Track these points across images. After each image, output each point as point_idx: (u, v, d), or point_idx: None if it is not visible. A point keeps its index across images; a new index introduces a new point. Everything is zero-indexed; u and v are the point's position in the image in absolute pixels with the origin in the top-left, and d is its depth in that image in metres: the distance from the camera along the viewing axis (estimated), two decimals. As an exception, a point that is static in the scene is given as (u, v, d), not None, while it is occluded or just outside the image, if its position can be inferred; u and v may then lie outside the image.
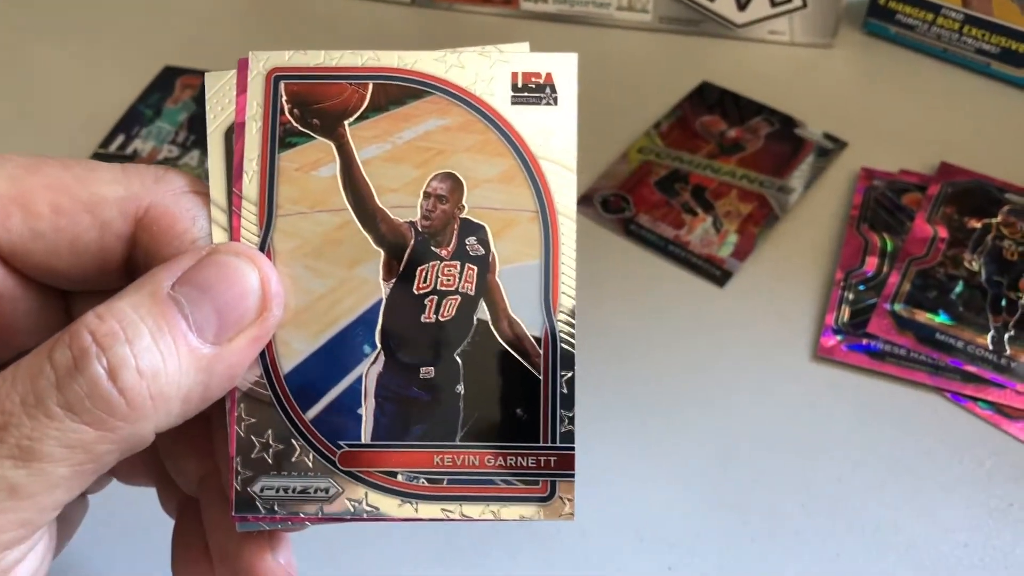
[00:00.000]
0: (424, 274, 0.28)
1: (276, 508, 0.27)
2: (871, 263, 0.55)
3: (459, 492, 0.27)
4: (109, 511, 0.37)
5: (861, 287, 0.54)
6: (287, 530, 0.29)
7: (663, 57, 0.70)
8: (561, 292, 0.28)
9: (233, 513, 0.27)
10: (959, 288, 0.54)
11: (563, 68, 0.29)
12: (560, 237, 0.28)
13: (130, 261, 0.28)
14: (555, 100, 0.29)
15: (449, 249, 0.28)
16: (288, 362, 0.28)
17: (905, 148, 0.62)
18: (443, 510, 0.27)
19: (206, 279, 0.26)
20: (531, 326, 0.28)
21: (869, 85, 0.68)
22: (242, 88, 0.29)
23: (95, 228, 0.27)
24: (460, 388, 0.28)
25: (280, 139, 0.28)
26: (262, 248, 0.28)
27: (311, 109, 0.29)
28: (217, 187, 0.28)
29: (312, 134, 0.28)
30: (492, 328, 0.28)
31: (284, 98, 0.29)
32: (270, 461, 0.27)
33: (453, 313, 0.28)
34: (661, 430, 0.48)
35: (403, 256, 0.28)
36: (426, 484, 0.28)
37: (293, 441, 0.27)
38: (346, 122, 0.29)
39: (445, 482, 0.28)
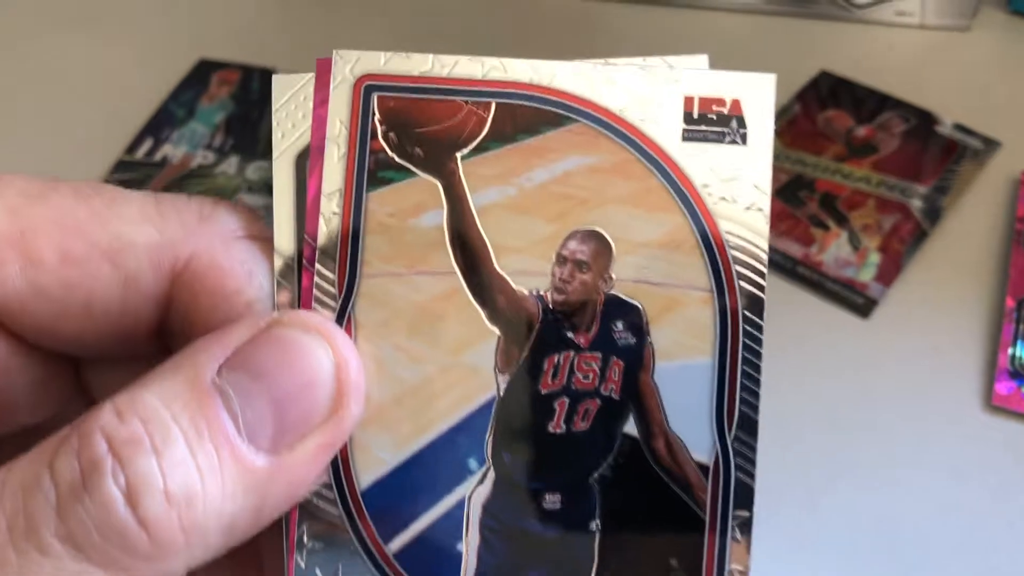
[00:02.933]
0: (554, 367, 0.21)
1: (344, 669, 0.21)
2: (1050, 287, 0.47)
3: (589, 665, 0.21)
4: None
5: (1040, 317, 0.46)
6: None
7: (774, 44, 0.62)
8: (739, 403, 0.21)
9: (288, 670, 0.21)
10: None
11: (756, 93, 0.21)
12: (741, 327, 0.21)
13: (164, 326, 0.22)
14: (743, 138, 0.21)
15: (589, 336, 0.21)
16: (368, 475, 0.21)
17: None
18: None
19: (263, 363, 0.20)
20: (696, 448, 0.21)
21: (1017, 72, 0.60)
22: (322, 99, 0.21)
23: (117, 283, 0.21)
24: (595, 525, 0.21)
25: (371, 172, 0.21)
26: (340, 320, 0.21)
27: (413, 134, 0.21)
28: (283, 232, 0.21)
29: (413, 168, 0.21)
30: (643, 448, 0.21)
31: (378, 116, 0.21)
32: (338, 605, 0.21)
33: (591, 423, 0.21)
34: (800, 506, 0.40)
35: (527, 340, 0.21)
36: (544, 650, 0.21)
37: (370, 580, 0.21)
38: (459, 154, 0.21)
39: (570, 650, 0.21)
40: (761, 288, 0.21)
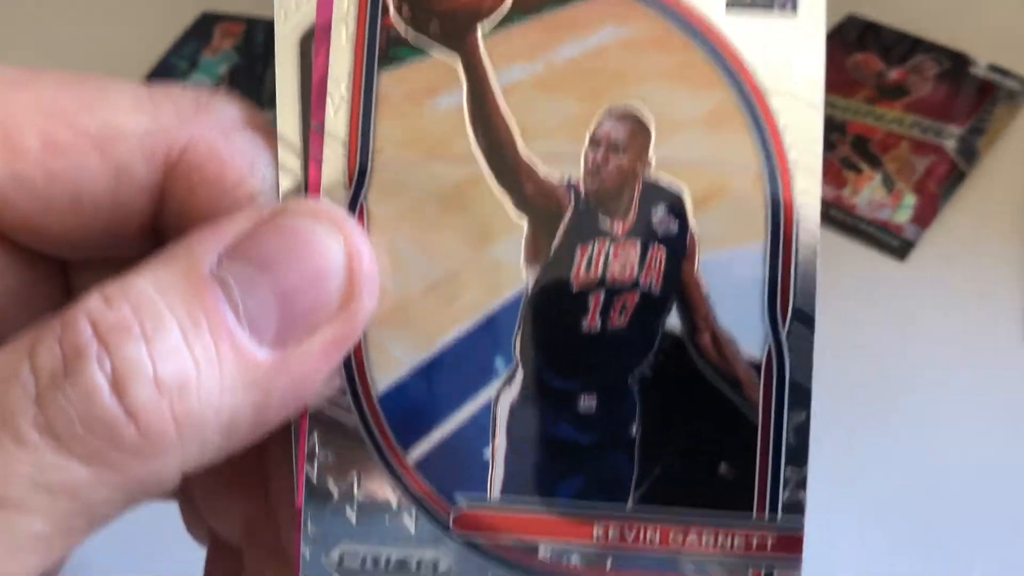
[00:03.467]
0: (588, 258, 0.19)
1: (361, 589, 0.19)
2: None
3: (629, 582, 0.19)
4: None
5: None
6: None
7: None
8: (794, 293, 0.19)
9: (300, 590, 0.19)
10: None
11: (807, -44, 0.19)
12: (796, 209, 0.19)
13: (157, 222, 0.20)
14: (793, 4, 0.19)
15: (626, 223, 0.19)
16: (385, 378, 0.19)
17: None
18: (603, 606, 0.19)
19: (267, 253, 0.18)
20: (747, 344, 0.19)
21: None
22: None
23: (107, 174, 0.19)
24: (635, 430, 0.19)
25: (382, 52, 0.19)
26: (351, 210, 0.19)
27: (429, 7, 0.19)
28: (287, 119, 0.19)
29: (429, 45, 0.19)
30: (687, 344, 0.19)
31: None
32: (355, 519, 0.19)
33: (629, 318, 0.19)
34: (839, 448, 0.39)
35: (557, 230, 0.19)
36: (581, 565, 0.19)
37: (389, 491, 0.19)
38: (479, 29, 0.19)
39: (609, 564, 0.19)
40: (816, 165, 0.19)
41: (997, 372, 0.41)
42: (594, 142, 0.19)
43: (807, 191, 0.19)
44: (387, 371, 0.19)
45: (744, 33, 0.19)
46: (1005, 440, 0.39)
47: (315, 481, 0.19)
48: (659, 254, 0.19)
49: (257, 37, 0.58)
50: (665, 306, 0.19)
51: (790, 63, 0.19)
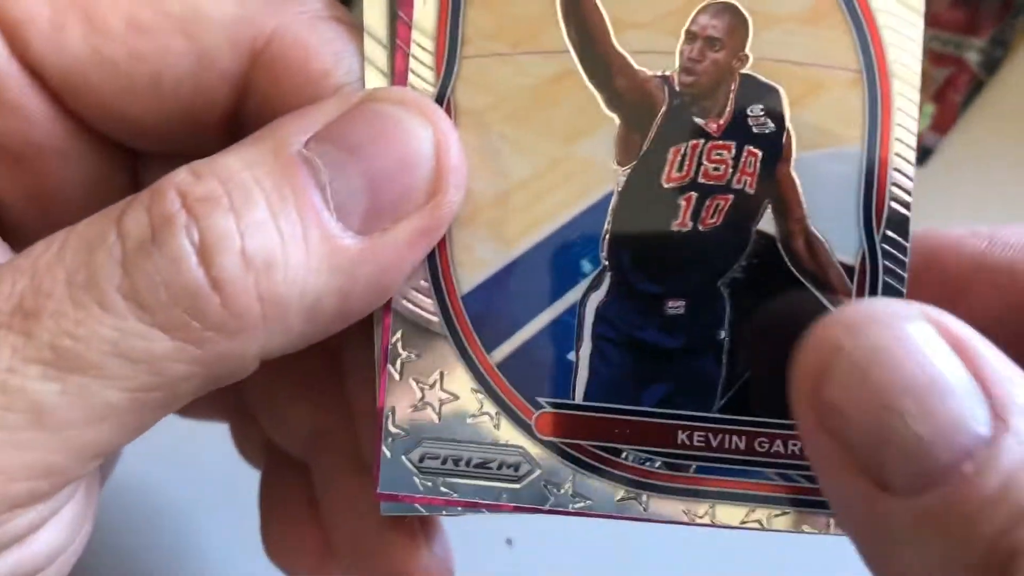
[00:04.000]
0: (681, 157, 0.19)
1: (443, 488, 0.19)
2: None
3: (713, 486, 0.19)
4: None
5: None
6: (450, 515, 0.20)
7: None
8: (890, 197, 0.18)
9: (378, 490, 0.19)
10: None
11: None
12: (894, 113, 0.18)
13: (240, 115, 0.19)
14: None
15: (721, 122, 0.19)
16: (470, 277, 0.19)
17: None
18: (686, 511, 0.19)
19: (356, 136, 0.17)
20: (841, 248, 0.18)
21: None
22: None
23: (191, 59, 0.19)
24: (724, 334, 0.19)
25: (471, -64, 0.19)
26: (439, 102, 0.19)
27: None
28: (374, 9, 0.19)
29: (521, -68, 0.19)
30: (780, 247, 0.19)
31: None
32: (437, 419, 0.19)
33: (721, 220, 0.19)
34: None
35: (649, 128, 0.19)
36: (664, 471, 0.19)
37: (472, 392, 0.19)
38: (574, -85, 0.19)
39: (693, 469, 0.19)
40: (916, 68, 0.18)
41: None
42: (690, 36, 0.19)
43: (905, 95, 0.18)
44: (472, 270, 0.19)
45: (847, -72, 0.19)
46: None
47: (397, 379, 0.19)
48: (754, 154, 0.19)
49: None
50: (759, 208, 0.19)
51: (894, -41, 0.19)
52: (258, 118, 0.19)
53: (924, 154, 0.46)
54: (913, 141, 0.18)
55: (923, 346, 0.15)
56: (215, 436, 0.26)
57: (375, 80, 0.19)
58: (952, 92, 0.48)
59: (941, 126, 0.47)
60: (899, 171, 0.18)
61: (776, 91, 0.19)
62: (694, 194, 0.19)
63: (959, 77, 0.49)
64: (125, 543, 0.31)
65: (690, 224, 0.19)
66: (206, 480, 0.29)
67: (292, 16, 0.19)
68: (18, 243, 0.19)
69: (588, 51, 0.19)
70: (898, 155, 0.18)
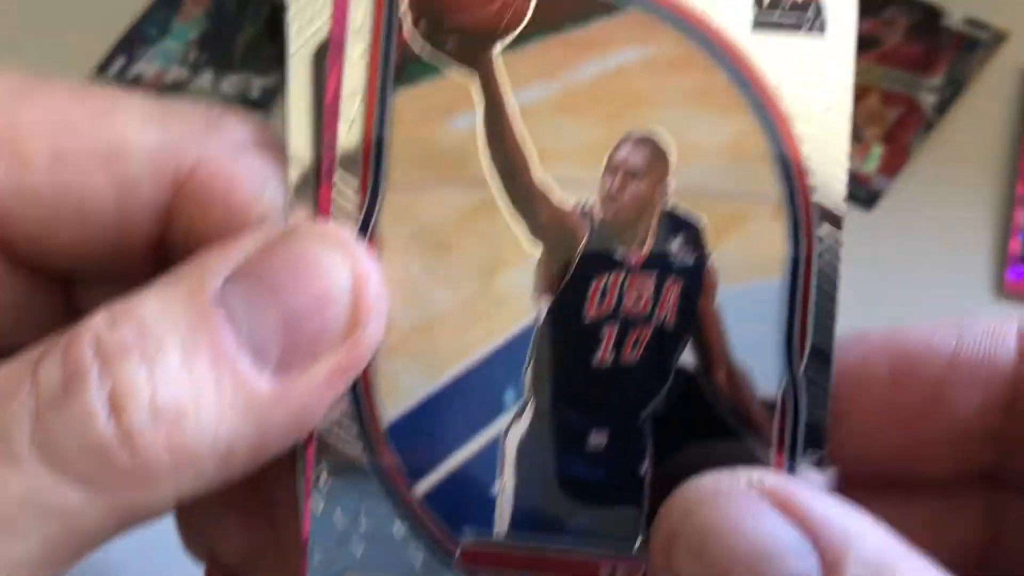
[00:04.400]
0: (602, 290, 0.19)
1: (366, 620, 0.19)
2: (1060, 172, 0.47)
3: (636, 621, 0.18)
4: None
5: (1051, 202, 0.46)
6: None
7: None
8: (812, 331, 0.18)
9: (304, 619, 0.19)
10: None
11: (838, -25, 0.18)
12: (816, 243, 0.18)
13: (165, 241, 0.20)
14: (821, 27, 0.18)
15: (642, 254, 0.19)
16: (393, 408, 0.19)
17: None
18: (609, 645, 0.19)
19: (273, 275, 0.18)
20: (763, 382, 0.18)
21: None
22: None
23: (114, 189, 0.19)
24: (646, 469, 0.19)
25: (397, 69, 0.19)
26: (363, 232, 0.19)
27: (445, 22, 0.19)
28: (299, 138, 0.19)
29: (445, 63, 0.19)
30: (702, 381, 0.18)
31: (406, 3, 0.19)
32: (360, 551, 0.19)
33: (641, 353, 0.19)
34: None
35: (571, 259, 0.19)
36: (586, 605, 0.19)
37: (395, 524, 0.19)
38: (497, 47, 0.19)
39: (616, 604, 0.19)
40: (840, 199, 0.18)
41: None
42: (611, 168, 0.19)
43: (828, 230, 0.18)
44: (396, 401, 0.19)
45: (770, 55, 0.18)
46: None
47: (320, 512, 0.19)
48: (675, 287, 0.19)
49: (228, 2, 0.57)
50: (680, 341, 0.19)
51: (817, 88, 0.18)
52: (184, 246, 0.19)
53: (872, 197, 0.46)
54: (837, 273, 0.18)
55: (749, 516, 0.16)
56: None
57: (299, 210, 0.19)
58: (901, 133, 0.48)
59: (889, 168, 0.47)
60: (821, 302, 0.18)
61: (697, 223, 0.18)
62: (616, 326, 0.19)
63: (908, 118, 0.49)
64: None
65: (612, 357, 0.19)
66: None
67: (217, 146, 0.19)
68: None
69: (510, 182, 0.19)
70: (820, 286, 0.18)
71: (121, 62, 0.55)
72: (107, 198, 0.19)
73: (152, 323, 0.17)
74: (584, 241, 0.19)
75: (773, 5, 0.18)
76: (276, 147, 0.19)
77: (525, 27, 0.19)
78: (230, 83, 0.52)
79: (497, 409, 0.19)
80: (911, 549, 0.16)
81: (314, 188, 0.19)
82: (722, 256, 0.18)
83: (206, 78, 0.53)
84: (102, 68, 0.54)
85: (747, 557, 0.15)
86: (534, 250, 0.19)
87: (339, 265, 0.18)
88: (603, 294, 0.19)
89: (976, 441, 0.19)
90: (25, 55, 0.56)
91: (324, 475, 0.19)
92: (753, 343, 0.18)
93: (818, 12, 0.19)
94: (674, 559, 0.16)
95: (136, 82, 0.54)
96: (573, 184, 0.19)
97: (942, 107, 0.49)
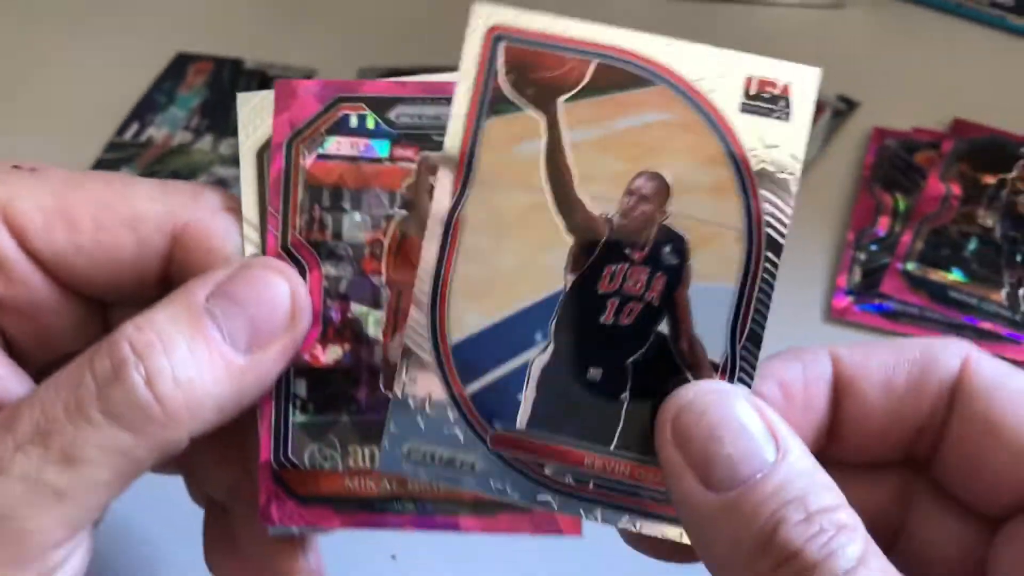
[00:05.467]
0: (611, 274, 0.27)
1: (422, 473, 0.27)
2: (883, 223, 0.56)
3: (603, 497, 0.27)
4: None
5: (873, 247, 0.55)
6: (316, 532, 0.30)
7: (664, 26, 0.69)
8: (751, 322, 0.27)
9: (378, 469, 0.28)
10: (973, 245, 0.54)
11: (803, 81, 0.27)
12: (762, 264, 0.27)
13: (166, 275, 0.30)
14: (787, 116, 0.27)
15: (642, 253, 0.27)
16: (458, 334, 0.27)
17: (919, 106, 0.62)
18: (584, 512, 0.27)
19: (239, 291, 0.27)
20: (712, 351, 0.27)
21: (881, 43, 0.69)
22: (281, 109, 0.29)
23: (134, 244, 0.29)
24: (625, 397, 0.27)
25: (491, 103, 0.27)
26: (452, 213, 0.27)
27: (528, 77, 0.27)
28: (250, 205, 0.29)
29: (524, 105, 0.27)
30: (671, 344, 0.27)
31: (502, 59, 0.27)
32: (422, 426, 0.27)
33: (632, 320, 0.27)
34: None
35: (593, 251, 0.27)
36: (572, 483, 0.27)
37: (449, 411, 0.27)
38: (561, 98, 0.27)
39: (591, 485, 0.27)
40: (782, 236, 0.27)
41: (800, 339, 0.45)
42: (629, 192, 0.27)
43: (771, 258, 0.27)
44: (460, 329, 0.27)
45: (749, 129, 0.27)
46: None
47: (400, 395, 0.28)
48: (661, 279, 0.27)
49: (224, 74, 0.66)
50: (660, 315, 0.27)
51: (778, 156, 0.27)
52: (179, 277, 0.29)
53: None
54: (773, 285, 0.27)
55: (738, 409, 0.25)
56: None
57: (250, 251, 0.29)
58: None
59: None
60: (760, 303, 0.27)
61: (683, 238, 0.27)
62: (617, 300, 0.27)
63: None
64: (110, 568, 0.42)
65: (612, 320, 0.27)
66: (177, 513, 0.37)
67: (200, 211, 0.29)
68: (29, 368, 0.30)
69: (558, 192, 0.27)
70: (760, 293, 0.27)
71: (135, 127, 0.64)
72: (130, 250, 0.29)
73: (165, 327, 0.26)
74: (604, 239, 0.27)
75: (756, 97, 0.27)
76: (237, 210, 0.29)
77: (583, 88, 0.27)
78: (227, 145, 0.63)
79: (529, 344, 0.27)
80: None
81: (261, 236, 0.29)
82: (697, 262, 0.27)
83: (207, 140, 0.63)
84: (120, 132, 0.64)
85: (733, 430, 0.24)
86: (569, 240, 0.27)
87: (281, 283, 0.28)
88: (612, 277, 0.27)
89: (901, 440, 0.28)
90: (57, 121, 0.65)
91: (405, 372, 0.28)
92: (709, 324, 0.27)
93: (787, 105, 0.27)
94: (680, 417, 0.25)
95: (148, 144, 0.63)
96: (601, 200, 0.27)
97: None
